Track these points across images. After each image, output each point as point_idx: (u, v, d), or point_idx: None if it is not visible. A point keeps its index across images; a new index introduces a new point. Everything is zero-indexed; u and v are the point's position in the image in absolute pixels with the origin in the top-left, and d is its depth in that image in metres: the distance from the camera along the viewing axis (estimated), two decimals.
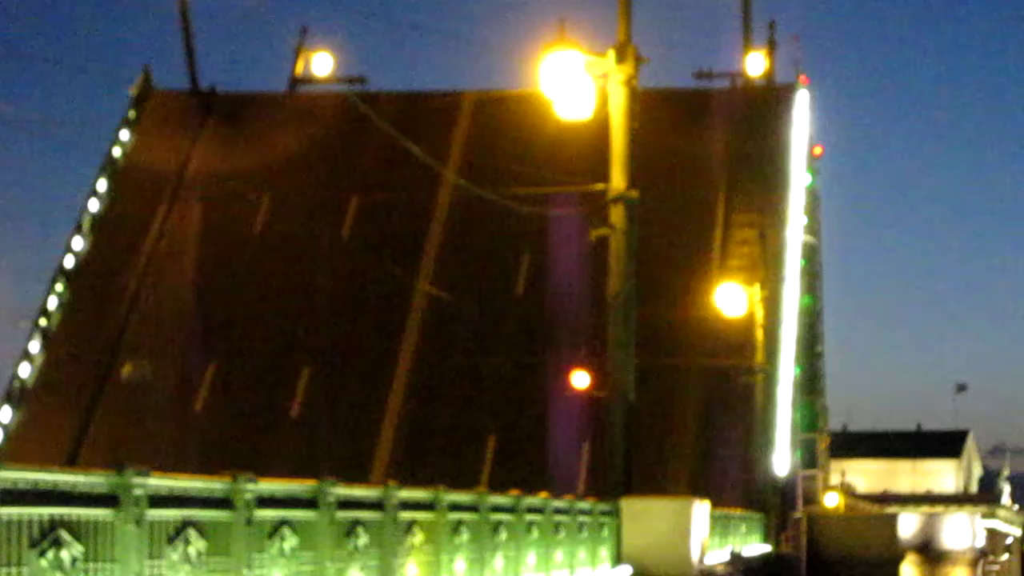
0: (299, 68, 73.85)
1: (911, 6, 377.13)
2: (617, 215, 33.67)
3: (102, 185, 68.47)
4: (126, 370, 62.51)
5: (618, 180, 33.66)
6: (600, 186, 34.19)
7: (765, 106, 70.37)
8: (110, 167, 69.01)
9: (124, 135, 70.02)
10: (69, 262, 66.46)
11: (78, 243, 67.05)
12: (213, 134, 70.37)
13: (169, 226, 67.54)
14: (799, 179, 69.83)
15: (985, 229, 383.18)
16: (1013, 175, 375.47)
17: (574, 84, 31.74)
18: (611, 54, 33.41)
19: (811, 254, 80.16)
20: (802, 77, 72.83)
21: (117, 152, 69.46)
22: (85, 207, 67.76)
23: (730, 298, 54.85)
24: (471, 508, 21.90)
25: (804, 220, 71.37)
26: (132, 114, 70.42)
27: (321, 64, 73.91)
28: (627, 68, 33.43)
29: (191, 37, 71.10)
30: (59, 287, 65.70)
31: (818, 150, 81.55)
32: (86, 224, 67.52)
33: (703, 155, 67.43)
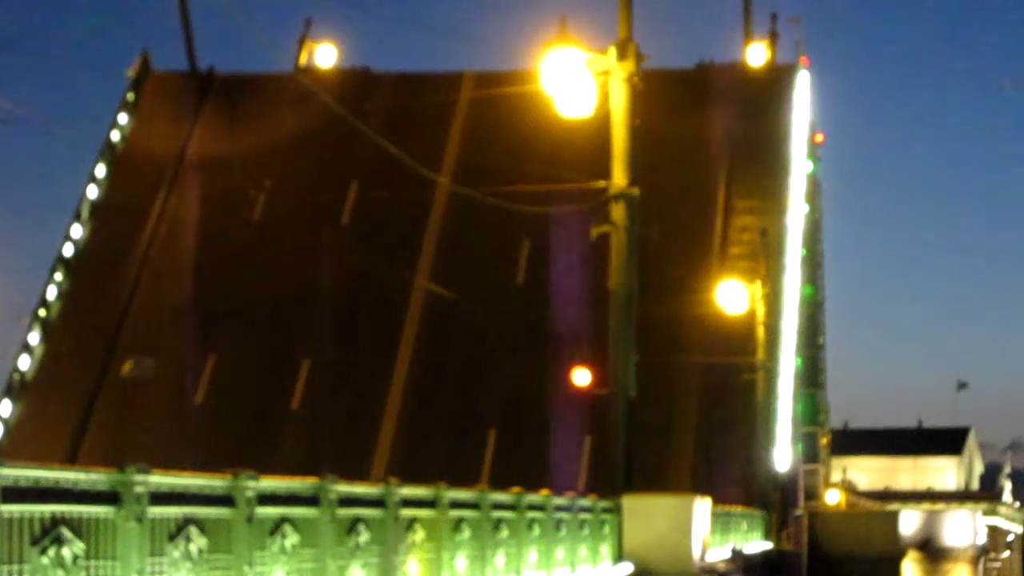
0: (303, 59, 73.67)
1: None
2: (618, 212, 33.66)
3: (101, 171, 68.05)
4: (127, 367, 62.38)
5: (619, 177, 33.65)
6: (601, 183, 34.18)
7: (766, 87, 70.02)
8: (109, 152, 68.60)
9: (123, 118, 69.47)
10: (68, 251, 66.18)
11: (77, 231, 66.66)
12: (212, 116, 69.84)
13: (168, 213, 67.23)
14: (800, 164, 69.48)
15: (989, 223, 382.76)
16: (1021, 166, 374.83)
17: (575, 81, 31.74)
18: (612, 51, 33.40)
19: (812, 243, 79.98)
20: (803, 59, 72.49)
21: (116, 136, 69.03)
22: (84, 194, 67.42)
23: (731, 296, 54.86)
24: (472, 505, 21.90)
25: (805, 208, 71.06)
26: (131, 97, 70.01)
27: (325, 55, 73.88)
28: (628, 65, 33.43)
29: (189, 17, 70.72)
30: (58, 277, 65.44)
31: (819, 138, 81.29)
32: (85, 211, 67.18)
33: (703, 137, 66.95)
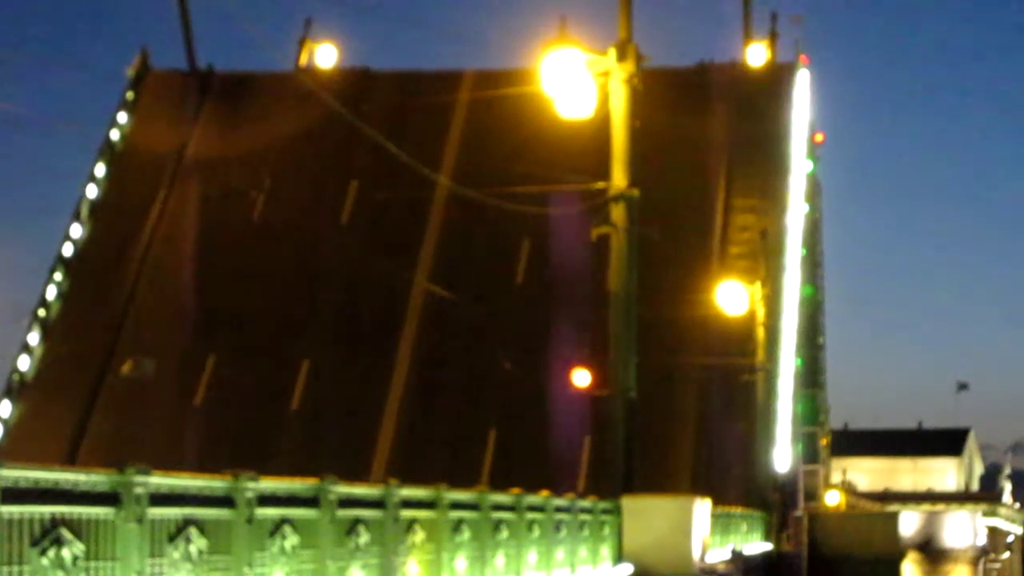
0: (303, 59, 73.60)
1: None
2: (618, 213, 33.66)
3: (100, 170, 67.93)
4: (127, 367, 62.33)
5: (619, 178, 33.65)
6: (601, 184, 34.16)
7: (766, 87, 69.89)
8: (108, 151, 68.48)
9: (122, 118, 69.28)
10: (68, 251, 66.09)
11: (77, 231, 66.54)
12: (212, 115, 69.72)
13: (168, 212, 67.13)
14: (800, 164, 69.37)
15: (989, 223, 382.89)
16: (1021, 167, 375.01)
17: (575, 82, 31.72)
18: (612, 52, 33.39)
19: (812, 243, 79.88)
20: (803, 57, 72.36)
21: (115, 136, 68.89)
22: (84, 194, 67.33)
23: (731, 296, 54.83)
24: (472, 507, 21.90)
25: (805, 208, 70.96)
26: (130, 96, 69.90)
27: (325, 55, 73.86)
28: (628, 66, 33.43)
29: (188, 16, 70.59)
30: (58, 277, 65.36)
31: (819, 137, 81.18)
32: (85, 211, 67.08)
33: (703, 137, 66.83)
